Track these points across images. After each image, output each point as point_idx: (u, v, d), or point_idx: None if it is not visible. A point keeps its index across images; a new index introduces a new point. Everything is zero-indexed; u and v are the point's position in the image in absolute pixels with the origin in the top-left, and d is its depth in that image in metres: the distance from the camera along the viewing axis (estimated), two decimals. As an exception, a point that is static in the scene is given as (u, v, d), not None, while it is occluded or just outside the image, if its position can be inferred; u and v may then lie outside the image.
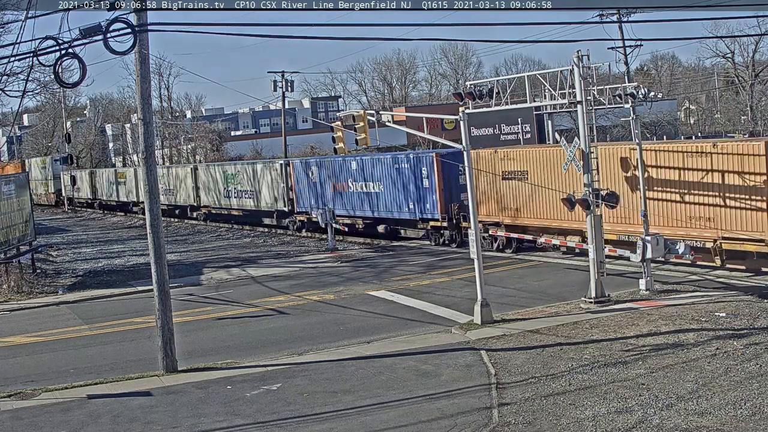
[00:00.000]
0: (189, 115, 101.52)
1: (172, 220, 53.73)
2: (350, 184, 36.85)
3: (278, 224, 43.31)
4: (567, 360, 15.64)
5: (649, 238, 20.74)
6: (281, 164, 42.13)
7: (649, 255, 20.59)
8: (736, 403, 12.64)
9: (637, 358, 15.37)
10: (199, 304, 24.36)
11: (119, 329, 21.74)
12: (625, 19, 50.02)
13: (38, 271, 32.92)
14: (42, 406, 15.00)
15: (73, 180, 71.99)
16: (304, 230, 40.38)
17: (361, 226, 36.81)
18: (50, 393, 15.77)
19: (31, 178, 71.16)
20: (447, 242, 31.95)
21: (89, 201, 70.56)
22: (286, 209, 41.27)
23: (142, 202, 48.91)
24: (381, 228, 35.66)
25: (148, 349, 18.48)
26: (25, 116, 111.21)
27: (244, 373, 16.42)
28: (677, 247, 20.97)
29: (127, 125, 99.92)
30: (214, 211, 49.88)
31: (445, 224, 31.66)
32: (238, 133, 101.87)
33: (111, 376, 16.79)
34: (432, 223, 32.41)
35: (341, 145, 24.23)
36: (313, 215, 37.18)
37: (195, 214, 51.70)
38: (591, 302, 19.97)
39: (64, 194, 73.44)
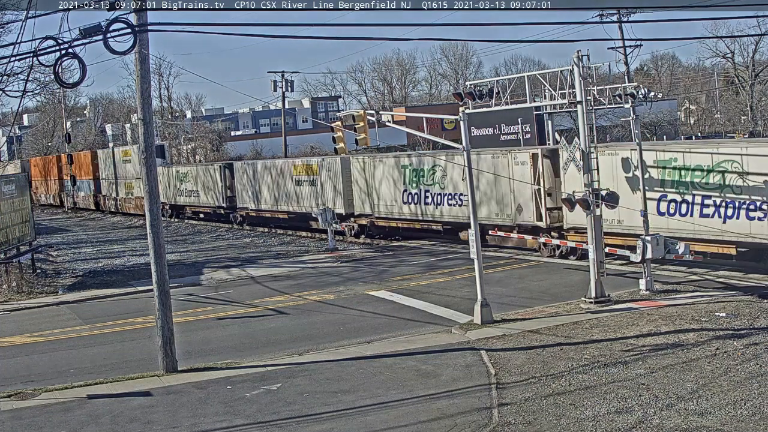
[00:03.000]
0: (189, 115, 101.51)
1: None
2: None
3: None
4: (567, 360, 15.64)
5: (649, 238, 20.74)
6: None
7: (649, 255, 20.60)
8: (736, 403, 12.64)
9: (637, 358, 15.37)
10: (199, 304, 24.36)
11: (119, 329, 21.74)
12: (625, 19, 50.13)
13: (38, 271, 32.91)
14: (42, 406, 15.00)
15: (73, 180, 71.38)
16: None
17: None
18: (50, 393, 15.77)
19: (103, 176, 63.85)
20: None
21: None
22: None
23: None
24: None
25: (148, 349, 18.48)
26: (25, 116, 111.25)
27: (244, 373, 16.42)
28: (677, 247, 20.97)
29: (127, 125, 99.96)
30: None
31: None
32: (238, 133, 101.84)
33: (111, 376, 16.79)
34: None
35: (341, 145, 24.24)
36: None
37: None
38: (591, 302, 19.97)
39: (165, 200, 53.29)
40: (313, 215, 36.75)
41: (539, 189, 27.62)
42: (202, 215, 51.47)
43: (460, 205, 31.16)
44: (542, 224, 27.60)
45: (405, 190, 34.25)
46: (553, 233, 27.28)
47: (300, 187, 40.68)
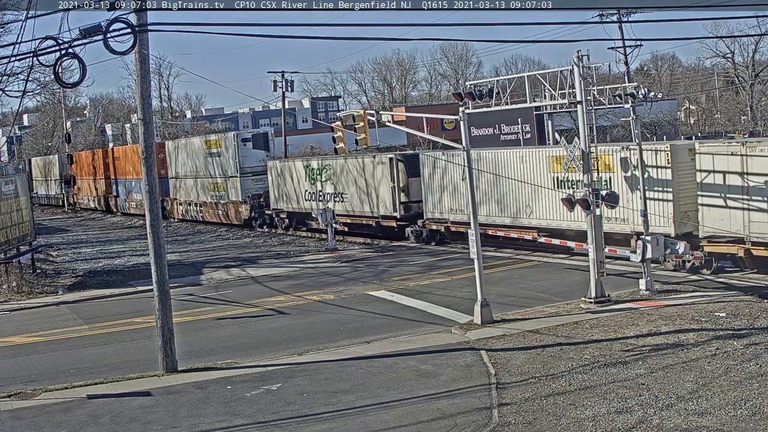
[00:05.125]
0: (189, 115, 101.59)
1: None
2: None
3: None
4: (567, 360, 15.64)
5: (649, 238, 20.75)
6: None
7: (649, 255, 20.60)
8: (736, 403, 12.64)
9: (637, 358, 15.37)
10: (199, 304, 24.36)
11: (119, 329, 21.74)
12: (625, 19, 50.06)
13: (38, 271, 32.92)
14: (42, 406, 15.00)
15: (73, 180, 70.78)
16: None
17: None
18: (50, 393, 15.77)
19: (177, 174, 50.73)
20: None
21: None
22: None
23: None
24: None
25: (148, 349, 18.48)
26: (25, 116, 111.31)
27: (244, 373, 16.42)
28: (677, 247, 20.98)
29: (127, 125, 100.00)
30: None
31: None
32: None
33: (111, 376, 16.79)
34: None
35: (341, 145, 24.25)
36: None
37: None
38: (591, 302, 19.97)
39: (276, 207, 41.95)
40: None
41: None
42: (346, 228, 36.97)
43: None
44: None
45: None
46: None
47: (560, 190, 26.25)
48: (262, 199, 43.52)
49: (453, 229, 31.85)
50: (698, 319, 17.94)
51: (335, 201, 37.95)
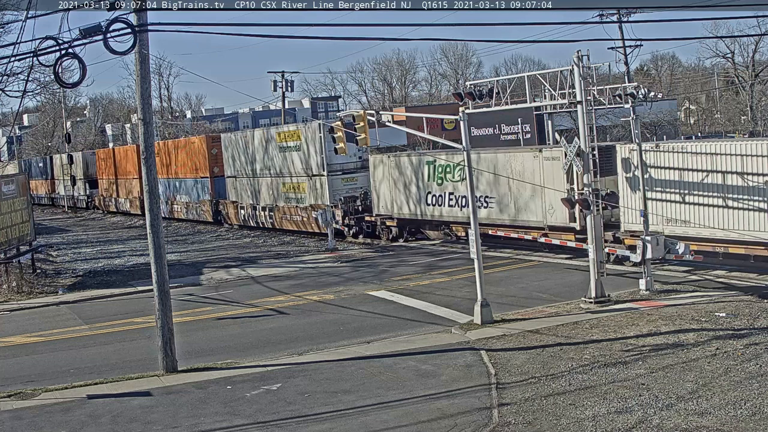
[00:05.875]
0: (189, 115, 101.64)
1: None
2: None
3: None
4: (567, 360, 15.64)
5: (649, 238, 20.75)
6: None
7: (649, 255, 20.60)
8: (736, 403, 12.64)
9: (637, 358, 15.37)
10: (199, 304, 24.36)
11: (119, 329, 21.74)
12: (625, 19, 50.06)
13: (38, 271, 32.92)
14: (42, 406, 15.00)
15: (73, 180, 70.24)
16: None
17: None
18: (50, 393, 15.77)
19: (237, 172, 43.42)
20: None
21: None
22: None
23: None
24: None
25: (148, 349, 18.48)
26: (25, 116, 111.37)
27: (244, 373, 16.42)
28: (677, 247, 20.97)
29: (127, 125, 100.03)
30: None
31: None
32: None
33: (111, 376, 16.79)
34: None
35: (341, 145, 24.24)
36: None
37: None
38: (591, 302, 19.97)
39: (386, 212, 34.61)
40: None
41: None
42: (493, 242, 30.12)
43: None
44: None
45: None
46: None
47: None
48: (358, 203, 36.35)
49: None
50: (698, 319, 17.95)
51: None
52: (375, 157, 35.38)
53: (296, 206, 38.90)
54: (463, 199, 30.35)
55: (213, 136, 47.29)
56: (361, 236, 36.28)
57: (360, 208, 36.31)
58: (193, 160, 47.11)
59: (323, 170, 36.65)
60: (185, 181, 48.67)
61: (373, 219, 35.57)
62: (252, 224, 42.89)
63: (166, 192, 49.97)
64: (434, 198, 32.38)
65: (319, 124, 37.33)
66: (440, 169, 31.98)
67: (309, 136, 37.52)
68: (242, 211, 43.50)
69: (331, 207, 35.70)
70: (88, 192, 67.67)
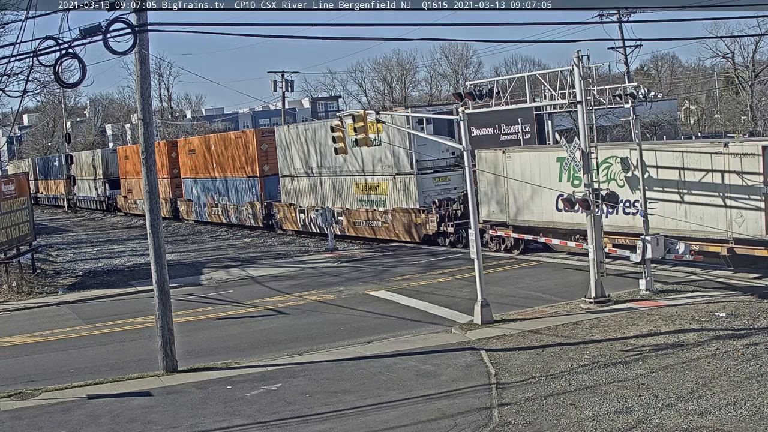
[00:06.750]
0: (189, 115, 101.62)
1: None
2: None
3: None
4: (567, 360, 15.64)
5: (649, 238, 20.74)
6: None
7: (649, 255, 20.59)
8: (736, 403, 12.64)
9: (637, 358, 15.37)
10: (199, 304, 24.36)
11: (119, 329, 21.74)
12: (625, 19, 50.07)
13: (38, 271, 32.93)
14: (42, 406, 15.00)
15: (73, 180, 69.88)
16: None
17: None
18: (50, 393, 15.77)
19: (294, 171, 38.48)
20: None
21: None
22: None
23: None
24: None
25: (148, 349, 18.48)
26: (25, 116, 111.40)
27: (244, 373, 16.42)
28: (677, 247, 20.97)
29: (127, 125, 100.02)
30: None
31: None
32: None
33: (111, 376, 16.79)
34: None
35: (341, 145, 24.25)
36: None
37: None
38: (591, 302, 19.97)
39: (481, 222, 28.38)
40: None
41: None
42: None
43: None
44: None
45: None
46: None
47: None
48: (456, 206, 31.33)
49: None
50: (698, 319, 17.94)
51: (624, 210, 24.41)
52: (483, 153, 29.46)
53: (374, 209, 34.07)
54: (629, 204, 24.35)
55: (264, 130, 42.26)
56: (459, 245, 30.44)
57: (459, 212, 31.09)
58: (240, 157, 42.08)
59: (412, 168, 31.97)
60: (228, 181, 43.60)
61: (481, 226, 27.19)
62: (314, 230, 37.12)
63: (204, 194, 46.55)
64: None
65: (407, 116, 31.92)
66: (575, 169, 23.26)
67: (393, 129, 31.15)
68: (302, 215, 38.29)
69: (422, 210, 31.60)
70: (108, 192, 63.57)
